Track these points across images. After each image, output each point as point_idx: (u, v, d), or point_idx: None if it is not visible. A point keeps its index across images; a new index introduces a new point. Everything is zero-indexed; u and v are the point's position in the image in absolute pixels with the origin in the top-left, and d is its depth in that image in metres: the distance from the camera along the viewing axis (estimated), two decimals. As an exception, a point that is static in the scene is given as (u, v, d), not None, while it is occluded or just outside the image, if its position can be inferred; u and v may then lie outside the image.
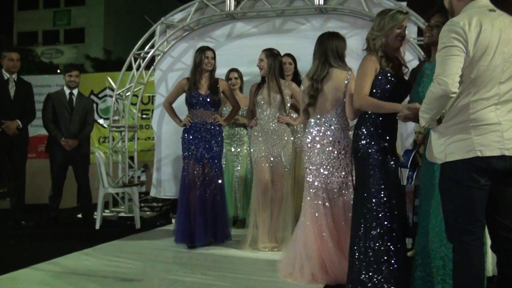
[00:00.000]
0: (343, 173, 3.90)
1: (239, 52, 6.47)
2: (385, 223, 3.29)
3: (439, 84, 2.47)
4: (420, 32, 5.79)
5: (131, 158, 7.32)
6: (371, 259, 3.29)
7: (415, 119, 2.80)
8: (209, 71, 5.08)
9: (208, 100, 5.02)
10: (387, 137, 3.37)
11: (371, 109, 3.32)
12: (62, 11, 34.30)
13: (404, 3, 5.91)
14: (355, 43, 6.15)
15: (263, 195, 4.81)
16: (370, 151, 3.33)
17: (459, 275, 2.61)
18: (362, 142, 3.36)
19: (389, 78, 3.32)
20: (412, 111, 2.85)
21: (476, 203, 2.54)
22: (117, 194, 7.15)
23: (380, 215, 3.30)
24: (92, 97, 8.63)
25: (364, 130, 3.38)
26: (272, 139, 4.86)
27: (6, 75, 6.12)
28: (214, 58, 5.09)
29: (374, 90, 3.32)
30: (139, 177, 7.98)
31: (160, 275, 3.96)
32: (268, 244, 4.78)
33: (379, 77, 3.31)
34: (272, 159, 4.84)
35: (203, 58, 5.02)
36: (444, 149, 2.59)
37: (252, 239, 4.84)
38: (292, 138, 5.08)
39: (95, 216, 6.19)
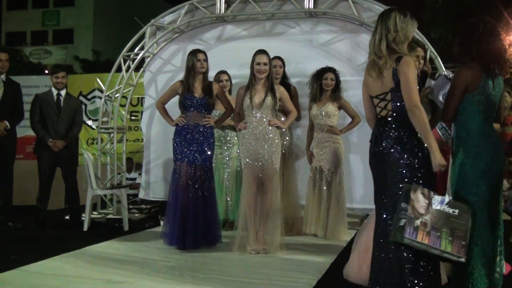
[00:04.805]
0: None
1: (229, 55, 6.48)
2: None
3: None
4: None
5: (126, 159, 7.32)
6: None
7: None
8: (202, 74, 5.07)
9: (202, 103, 5.02)
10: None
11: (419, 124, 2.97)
12: (51, 12, 34.01)
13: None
14: (344, 47, 6.25)
15: (252, 198, 4.81)
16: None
17: None
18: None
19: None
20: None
21: None
22: (105, 196, 7.12)
23: None
24: (81, 98, 8.59)
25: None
26: (262, 142, 4.84)
27: (-6, 76, 6.08)
28: (206, 60, 5.08)
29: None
30: (134, 179, 7.99)
31: (148, 277, 3.95)
32: (256, 246, 4.79)
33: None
34: (262, 162, 4.83)
35: (195, 61, 5.01)
36: None
37: (241, 241, 4.84)
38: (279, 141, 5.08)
39: (83, 218, 6.16)
